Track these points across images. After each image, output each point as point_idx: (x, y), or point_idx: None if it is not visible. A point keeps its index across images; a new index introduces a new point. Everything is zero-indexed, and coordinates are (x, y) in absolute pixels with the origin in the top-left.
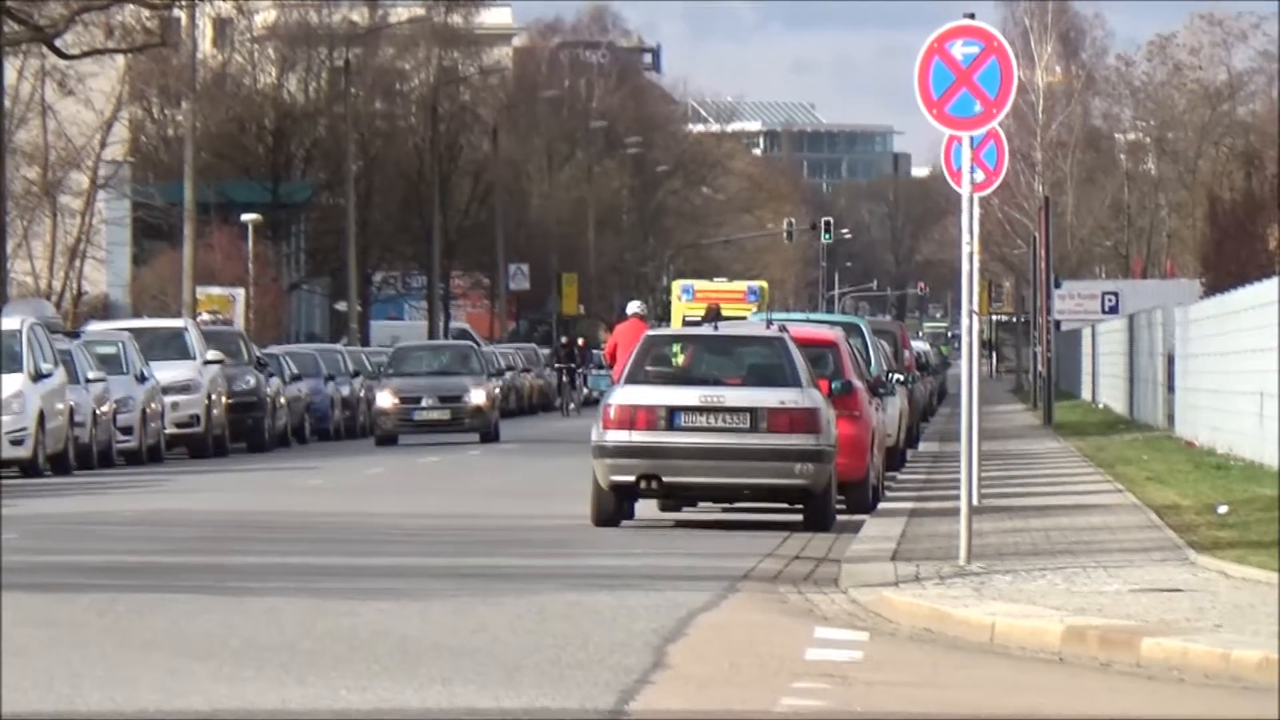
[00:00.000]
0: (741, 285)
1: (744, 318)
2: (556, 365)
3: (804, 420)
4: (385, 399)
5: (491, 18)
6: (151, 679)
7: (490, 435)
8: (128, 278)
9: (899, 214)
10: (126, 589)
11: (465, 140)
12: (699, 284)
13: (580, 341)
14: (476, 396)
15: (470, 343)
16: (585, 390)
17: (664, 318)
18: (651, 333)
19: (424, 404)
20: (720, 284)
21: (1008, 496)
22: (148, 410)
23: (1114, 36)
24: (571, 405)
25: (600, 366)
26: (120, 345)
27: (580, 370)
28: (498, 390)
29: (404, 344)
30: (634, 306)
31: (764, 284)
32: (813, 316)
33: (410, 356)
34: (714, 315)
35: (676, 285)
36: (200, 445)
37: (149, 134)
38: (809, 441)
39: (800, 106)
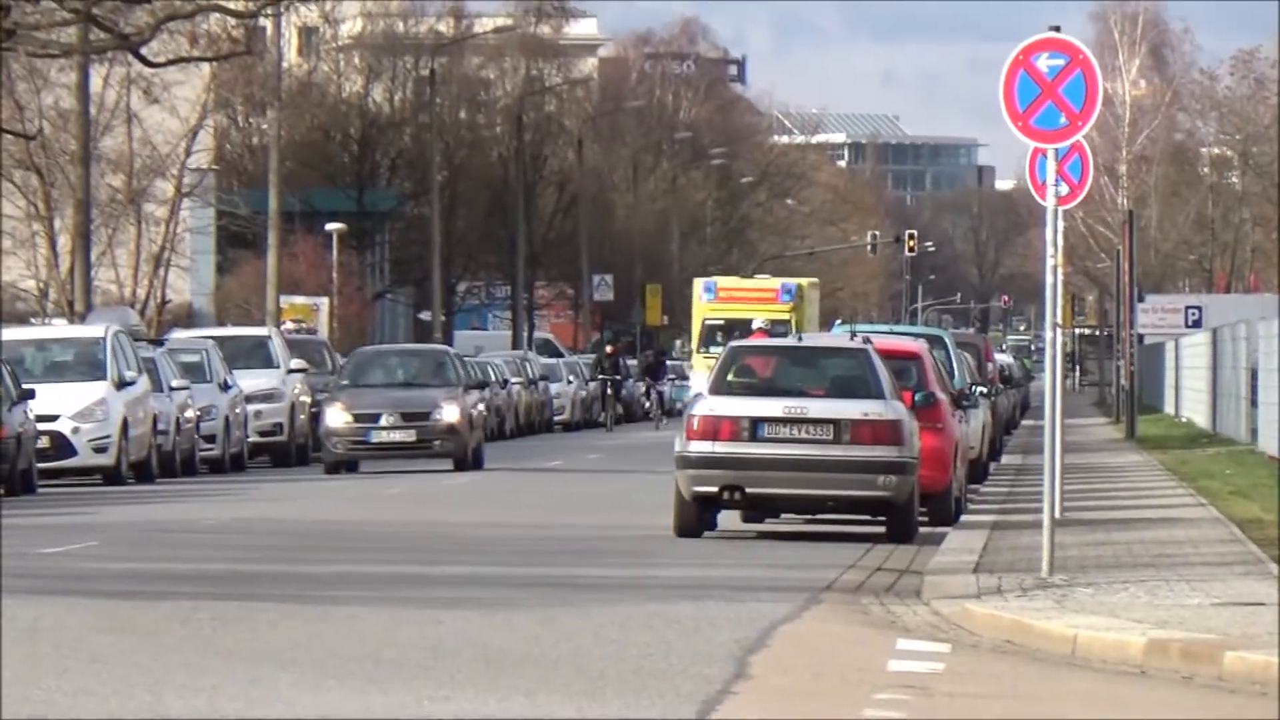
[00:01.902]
0: (773, 283)
1: (785, 320)
2: (600, 377)
3: (887, 432)
4: (335, 416)
5: (578, 29)
6: (233, 687)
7: (466, 461)
8: (212, 286)
9: (983, 227)
10: (209, 597)
11: (550, 150)
12: (723, 282)
13: (649, 353)
14: (449, 413)
15: (445, 348)
16: (648, 404)
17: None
18: (735, 344)
19: (383, 422)
20: (748, 282)
21: (1090, 509)
22: (231, 418)
23: (1201, 51)
24: (609, 420)
25: (683, 378)
26: (204, 353)
27: (646, 382)
28: (479, 407)
29: (363, 350)
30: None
31: (801, 281)
32: (896, 329)
33: (369, 364)
34: (775, 331)
35: (698, 284)
36: (283, 454)
37: (234, 142)
38: (892, 453)
39: (885, 119)
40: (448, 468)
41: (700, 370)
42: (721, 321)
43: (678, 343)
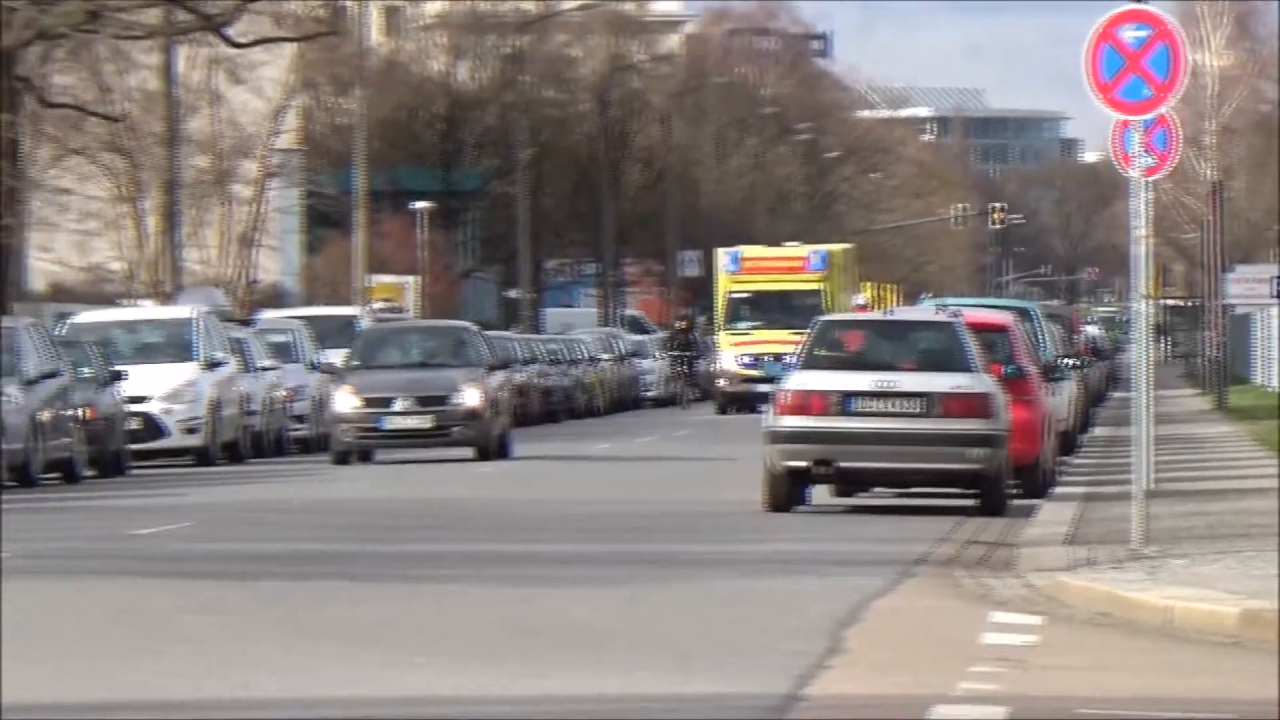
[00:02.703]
0: (802, 251)
1: (816, 290)
2: (673, 353)
3: (977, 405)
4: (344, 400)
5: (662, 5)
6: (325, 667)
7: (489, 450)
8: (299, 266)
9: (1069, 199)
10: (301, 577)
11: (636, 127)
12: (748, 251)
13: (682, 321)
14: (469, 396)
15: (465, 324)
16: (675, 385)
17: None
18: (825, 318)
19: (396, 407)
20: (775, 250)
21: (1181, 480)
22: (320, 398)
23: None
24: (690, 399)
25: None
26: (293, 334)
27: (673, 356)
28: (505, 390)
29: (374, 326)
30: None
31: (834, 248)
32: (984, 301)
33: (381, 343)
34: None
35: (720, 254)
36: None
37: (320, 122)
38: (982, 426)
39: (970, 92)
40: (469, 456)
41: (726, 349)
42: (748, 295)
43: (703, 319)
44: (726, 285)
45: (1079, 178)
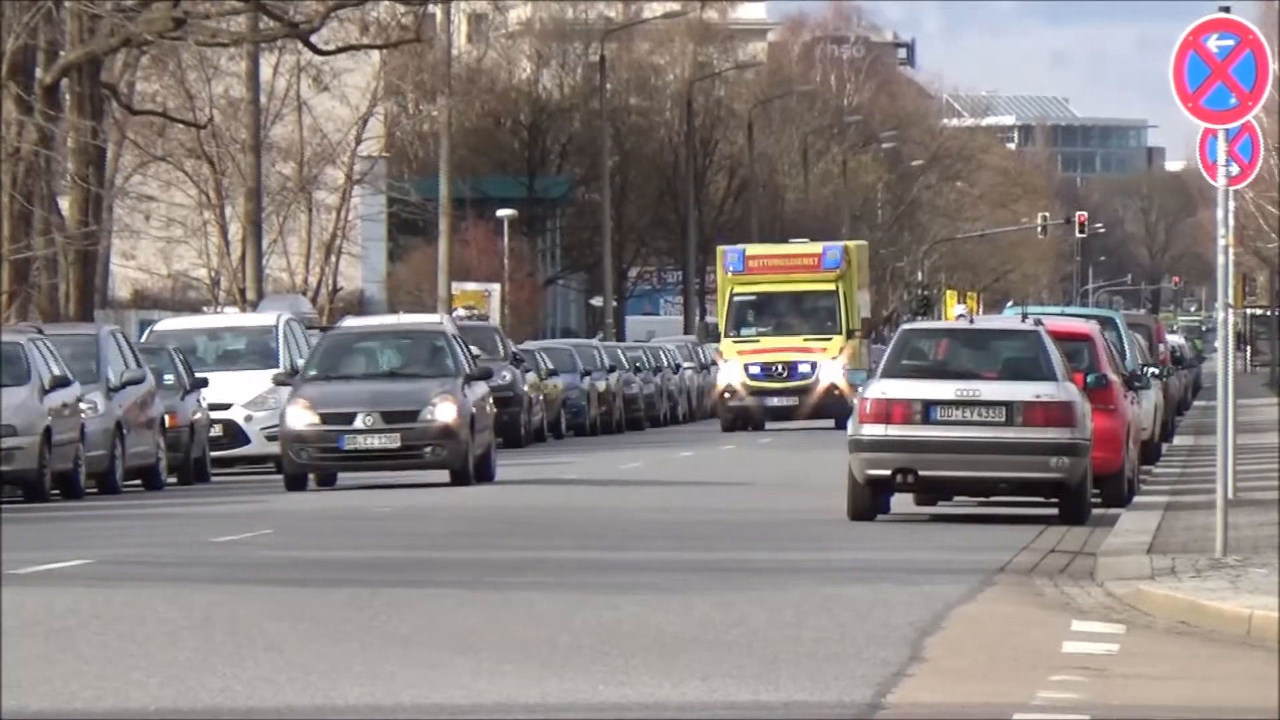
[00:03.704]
0: (814, 248)
1: (830, 292)
2: None
3: (1060, 414)
4: (298, 416)
5: (747, 13)
6: (410, 674)
7: (466, 472)
8: (383, 273)
9: (1153, 208)
10: (385, 584)
11: (720, 135)
12: (754, 249)
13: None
14: (443, 412)
15: (442, 327)
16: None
17: (920, 311)
18: (907, 326)
19: (358, 424)
20: (783, 248)
21: (1263, 490)
22: None
23: None
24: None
25: None
26: None
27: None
28: (486, 404)
29: (336, 330)
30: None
31: (849, 244)
32: (1067, 310)
33: (343, 349)
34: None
35: (722, 253)
36: None
37: (404, 130)
38: (1064, 435)
39: (1054, 100)
40: (443, 480)
41: (731, 359)
42: (754, 297)
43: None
44: (730, 287)
45: (1163, 186)
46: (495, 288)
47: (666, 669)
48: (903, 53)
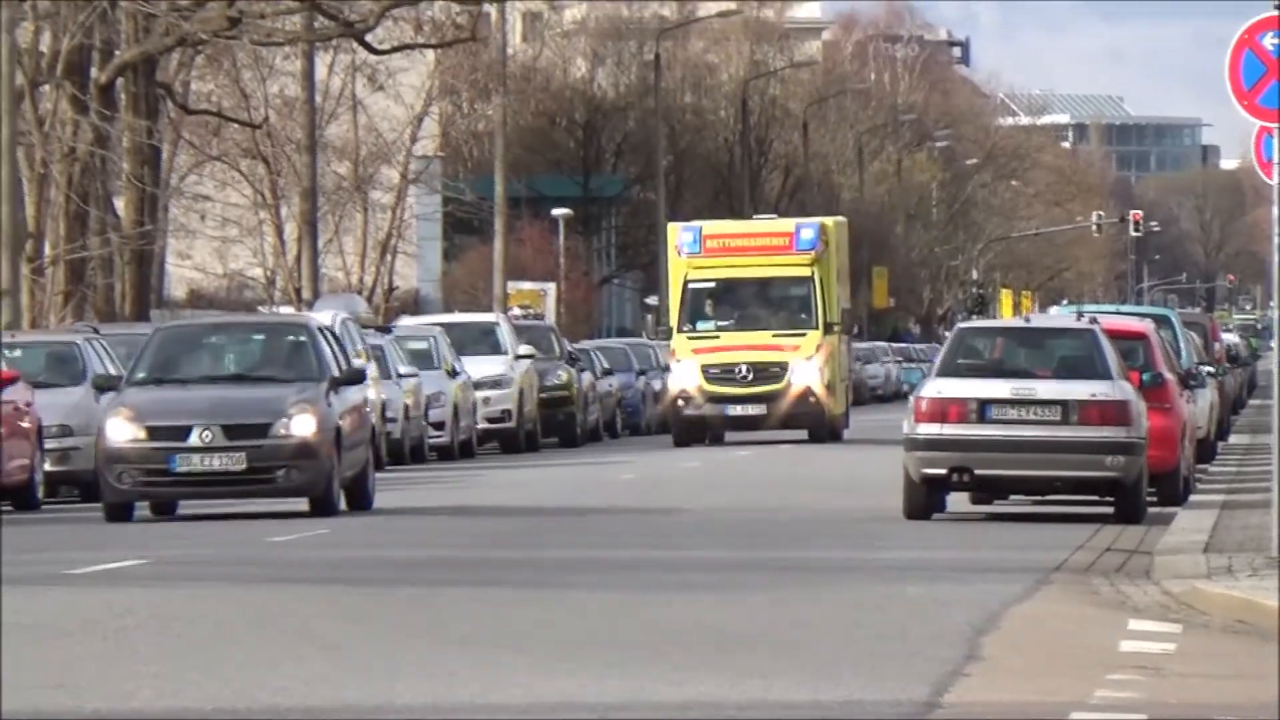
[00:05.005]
0: (784, 225)
1: (804, 278)
2: None
3: (1115, 412)
4: (119, 429)
5: (801, 11)
6: (468, 673)
7: (330, 499)
8: (438, 272)
9: (1208, 206)
10: (443, 583)
11: (775, 134)
12: (712, 227)
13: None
14: (300, 425)
15: (306, 319)
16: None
17: (974, 310)
18: (963, 325)
19: (194, 440)
20: (747, 225)
21: None
22: (459, 405)
23: None
24: None
25: (910, 360)
26: (432, 340)
27: None
28: (358, 415)
29: (173, 323)
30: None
31: (826, 221)
32: (1122, 309)
33: (181, 347)
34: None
35: (675, 231)
36: (512, 440)
37: (459, 129)
38: (1120, 434)
39: (1109, 99)
40: (301, 508)
41: (685, 358)
42: (712, 284)
43: (649, 317)
44: (684, 272)
45: (1218, 184)
46: (550, 287)
47: (723, 668)
48: (957, 51)
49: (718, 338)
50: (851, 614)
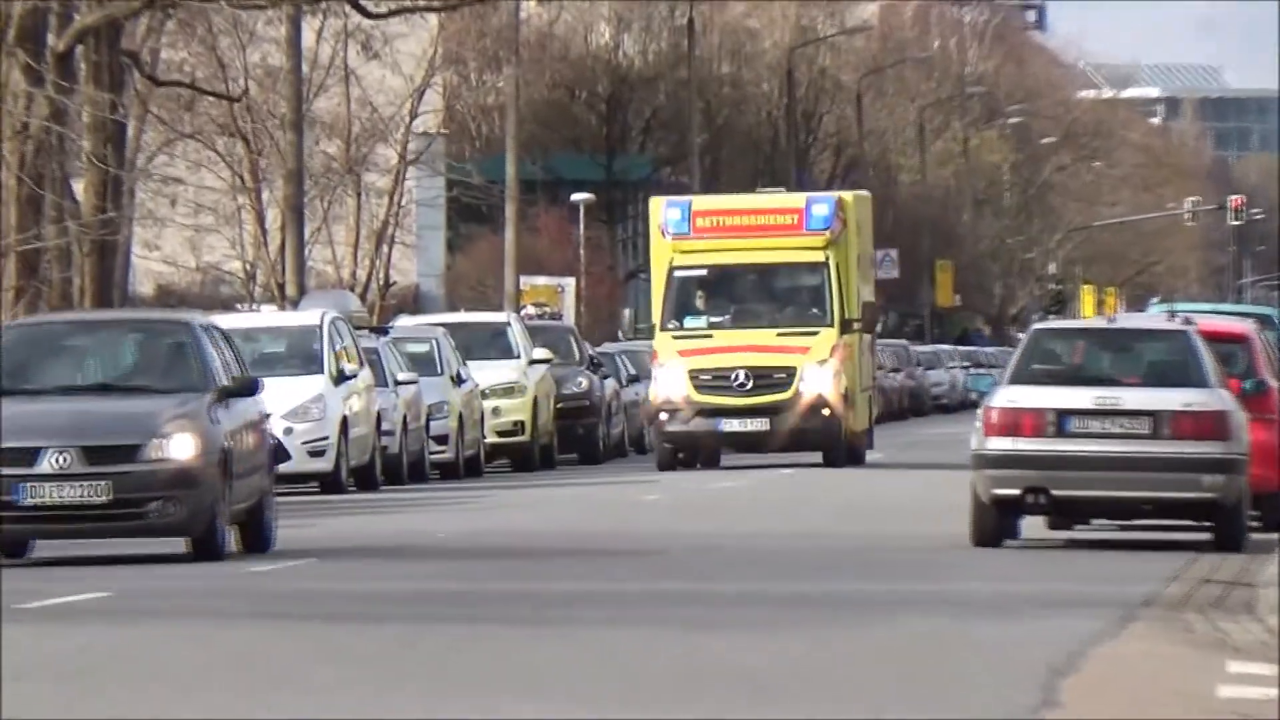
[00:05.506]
0: (794, 200)
1: (818, 264)
2: None
3: (1212, 425)
4: None
5: None
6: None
7: (216, 540)
8: (442, 266)
9: None
10: (438, 620)
11: (825, 108)
12: (703, 203)
13: None
14: (178, 446)
15: (190, 319)
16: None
17: (1052, 309)
18: (1039, 326)
19: (45, 465)
20: (748, 200)
21: None
22: (465, 417)
23: None
24: None
25: (979, 365)
26: (434, 343)
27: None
28: (251, 434)
29: (28, 321)
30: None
31: (844, 195)
32: (1221, 307)
33: (36, 351)
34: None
35: (658, 206)
36: (525, 456)
37: (465, 103)
38: (1218, 449)
39: (1205, 70)
40: (179, 549)
41: (669, 362)
42: (704, 271)
43: (628, 312)
44: (669, 256)
45: None
46: (570, 282)
47: (757, 713)
48: (1032, 15)
49: (710, 337)
50: (906, 652)
